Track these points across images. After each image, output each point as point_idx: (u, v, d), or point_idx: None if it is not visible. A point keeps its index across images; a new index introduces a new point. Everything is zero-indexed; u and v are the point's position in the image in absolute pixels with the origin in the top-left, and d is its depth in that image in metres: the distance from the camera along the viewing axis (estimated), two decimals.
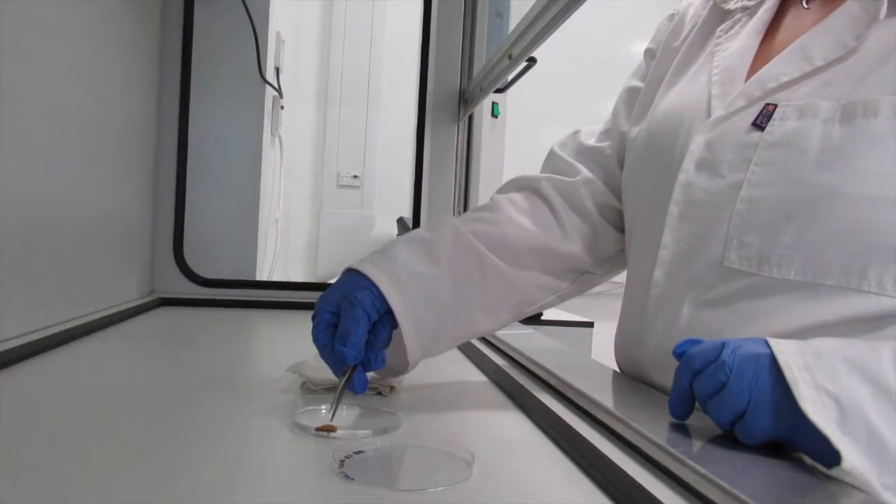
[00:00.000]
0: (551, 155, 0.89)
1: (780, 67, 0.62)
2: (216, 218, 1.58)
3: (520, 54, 1.18)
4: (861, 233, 0.54)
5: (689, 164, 0.65)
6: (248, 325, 1.31)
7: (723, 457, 0.46)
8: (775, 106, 0.60)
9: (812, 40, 0.61)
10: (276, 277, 2.22)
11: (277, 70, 1.91)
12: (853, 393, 0.45)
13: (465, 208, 1.63)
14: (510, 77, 1.46)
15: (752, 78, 0.64)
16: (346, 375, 0.62)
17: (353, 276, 0.70)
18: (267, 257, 2.00)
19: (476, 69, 1.55)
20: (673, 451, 0.47)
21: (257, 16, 1.58)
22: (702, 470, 0.44)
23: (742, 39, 0.68)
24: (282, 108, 1.94)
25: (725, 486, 0.41)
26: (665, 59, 0.79)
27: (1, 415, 0.61)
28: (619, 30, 2.96)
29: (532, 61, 1.36)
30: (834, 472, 0.44)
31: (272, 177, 2.03)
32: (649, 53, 0.85)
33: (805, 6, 0.65)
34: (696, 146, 0.64)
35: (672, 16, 0.84)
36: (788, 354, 0.47)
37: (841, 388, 0.45)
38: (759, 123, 0.60)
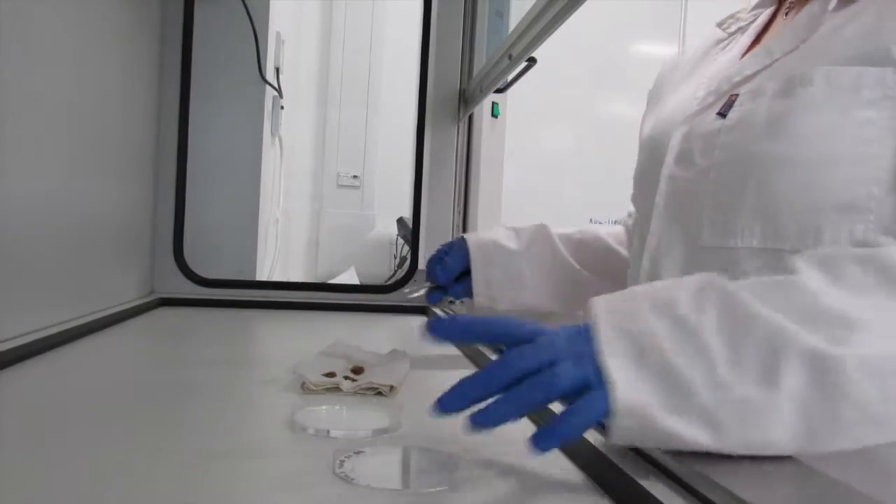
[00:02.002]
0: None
1: (746, 64, 0.69)
2: (216, 218, 1.58)
3: (520, 54, 1.18)
4: (810, 194, 0.58)
5: (670, 158, 0.71)
6: (248, 325, 1.31)
7: (723, 457, 0.46)
8: (738, 95, 0.66)
9: (775, 40, 0.68)
10: (276, 277, 2.22)
11: (277, 70, 1.91)
12: (650, 330, 0.46)
13: (465, 208, 1.63)
14: (510, 77, 1.46)
15: (722, 76, 0.71)
16: (428, 288, 1.03)
17: (459, 238, 1.05)
18: (267, 257, 2.00)
19: (476, 69, 1.55)
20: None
21: (257, 16, 1.59)
22: (702, 470, 0.44)
23: (732, 53, 0.76)
24: (282, 108, 1.94)
25: (725, 486, 0.41)
26: (661, 86, 0.88)
27: (1, 415, 0.61)
28: (620, 30, 2.96)
29: (532, 61, 1.36)
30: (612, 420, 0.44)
31: (272, 177, 2.03)
32: (650, 94, 0.93)
33: (785, 17, 0.73)
34: (675, 140, 0.71)
35: (672, 57, 0.92)
36: (597, 305, 0.49)
37: (638, 325, 0.46)
38: (723, 112, 0.67)
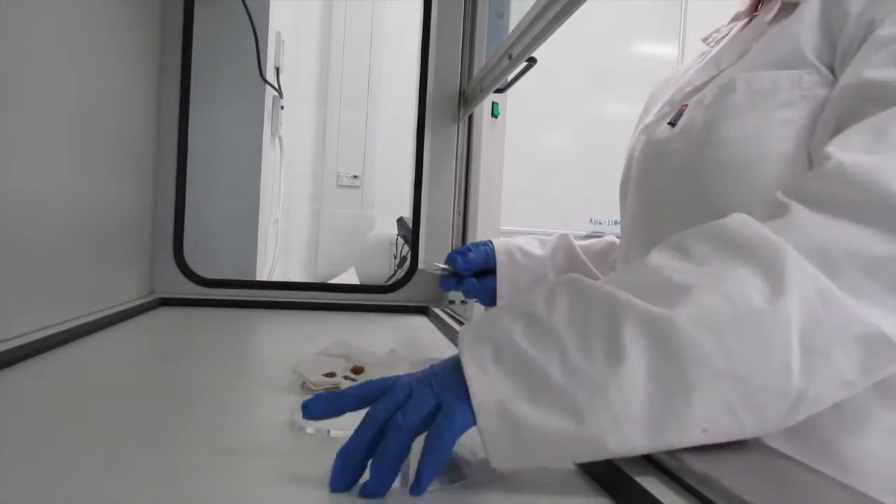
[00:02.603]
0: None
1: (697, 76, 0.73)
2: (216, 218, 1.58)
3: (520, 54, 1.17)
4: (747, 193, 0.61)
5: (635, 168, 0.76)
6: (248, 325, 1.31)
7: (723, 457, 0.46)
8: (686, 105, 0.70)
9: (724, 50, 0.73)
10: (276, 277, 2.22)
11: (277, 70, 1.91)
12: (506, 330, 0.47)
13: (465, 209, 1.63)
14: (510, 77, 1.46)
15: (676, 87, 0.75)
16: (445, 272, 1.05)
17: (485, 241, 1.07)
18: (267, 257, 2.00)
19: (476, 69, 1.55)
20: (673, 450, 0.47)
21: (257, 16, 1.59)
22: (702, 470, 0.44)
23: (700, 64, 0.79)
24: (282, 108, 1.94)
25: (725, 486, 0.41)
26: (653, 97, 0.90)
27: (1, 415, 0.61)
28: (620, 30, 2.96)
29: (532, 61, 1.35)
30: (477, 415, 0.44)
31: (272, 177, 2.03)
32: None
33: None
34: (638, 151, 0.76)
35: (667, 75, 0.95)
36: (465, 326, 0.50)
37: (497, 330, 0.47)
38: (673, 122, 0.71)
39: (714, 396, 0.44)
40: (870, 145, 0.49)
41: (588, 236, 1.13)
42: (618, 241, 1.06)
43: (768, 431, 0.47)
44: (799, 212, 0.48)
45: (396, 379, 0.49)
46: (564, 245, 1.07)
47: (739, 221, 0.49)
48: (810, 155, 0.59)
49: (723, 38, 0.81)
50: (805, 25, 0.62)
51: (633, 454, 0.45)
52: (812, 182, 0.50)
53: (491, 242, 1.08)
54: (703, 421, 0.44)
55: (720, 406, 0.44)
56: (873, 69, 0.54)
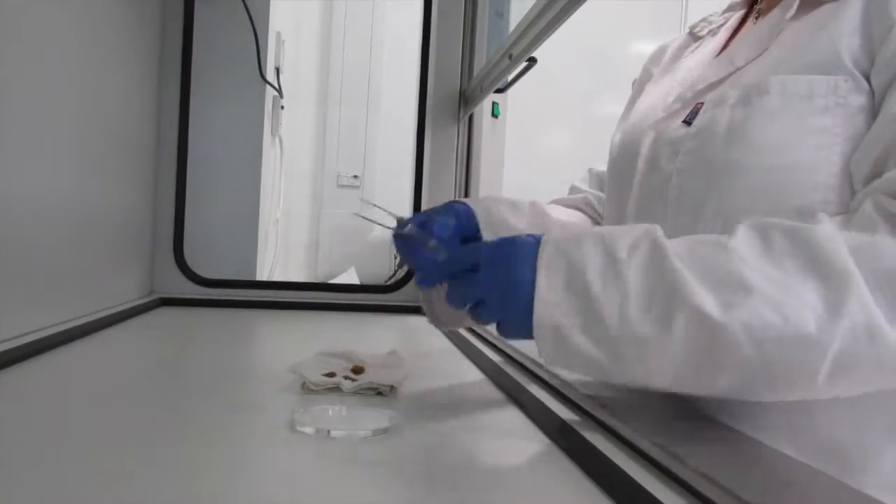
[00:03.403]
0: (573, 190, 1.03)
1: (710, 72, 0.70)
2: (216, 218, 1.58)
3: (520, 54, 1.17)
4: (768, 199, 0.60)
5: (641, 164, 0.73)
6: (248, 325, 1.31)
7: (723, 456, 0.46)
8: (702, 103, 0.68)
9: (738, 46, 0.70)
10: (276, 277, 2.22)
11: (277, 70, 1.91)
12: (585, 257, 0.53)
13: None
14: (510, 77, 1.46)
15: (688, 83, 0.72)
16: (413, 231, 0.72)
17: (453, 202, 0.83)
18: (267, 257, 2.00)
19: (476, 69, 1.55)
20: (672, 449, 0.47)
21: (257, 16, 1.58)
22: (702, 470, 0.44)
23: (701, 55, 0.78)
24: (282, 108, 1.94)
25: (725, 485, 0.41)
26: (644, 83, 0.88)
27: (1, 415, 0.61)
28: (619, 30, 2.96)
29: (532, 61, 1.35)
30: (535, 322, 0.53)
31: (272, 177, 2.03)
32: (635, 83, 0.94)
33: (755, 23, 0.73)
34: (645, 147, 0.73)
35: (660, 48, 0.92)
36: (546, 238, 0.56)
37: (578, 252, 0.54)
38: (688, 120, 0.68)
39: (740, 381, 0.51)
40: None
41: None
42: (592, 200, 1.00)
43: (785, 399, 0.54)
44: (884, 235, 0.50)
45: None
46: (535, 207, 0.88)
47: (827, 236, 0.50)
48: (851, 171, 0.58)
49: (718, 27, 0.79)
50: (845, 29, 0.59)
51: (656, 389, 0.55)
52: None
53: (456, 203, 0.80)
54: (723, 392, 0.52)
55: (744, 387, 0.51)
56: None
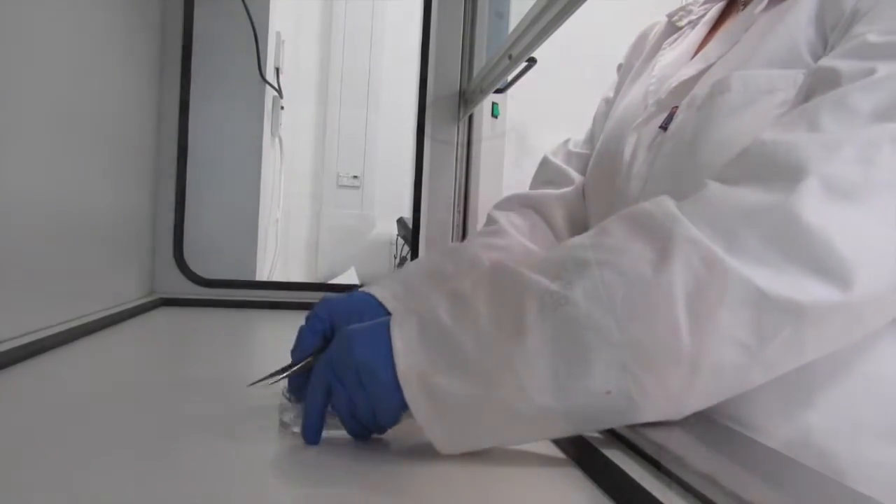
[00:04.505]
0: (544, 162, 0.95)
1: (684, 70, 0.69)
2: (216, 218, 1.58)
3: (520, 54, 1.18)
4: None
5: (624, 167, 0.72)
6: (248, 326, 1.31)
7: (723, 457, 0.46)
8: (677, 107, 0.67)
9: (713, 44, 0.69)
10: (276, 277, 2.22)
11: (277, 70, 1.91)
12: (435, 304, 0.52)
13: (465, 209, 1.63)
14: (510, 77, 1.46)
15: (663, 81, 0.71)
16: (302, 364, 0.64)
17: (362, 294, 0.74)
18: (267, 257, 2.00)
19: (476, 69, 1.55)
20: (672, 450, 0.47)
21: (257, 16, 1.58)
22: (702, 469, 0.44)
23: (680, 49, 0.76)
24: (282, 108, 1.94)
25: (725, 485, 0.41)
26: (627, 73, 0.87)
27: (1, 415, 0.61)
28: (620, 30, 2.95)
29: (532, 61, 1.35)
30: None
31: (272, 177, 2.03)
32: (620, 68, 0.92)
33: (741, 12, 0.71)
34: (627, 153, 0.72)
35: (641, 35, 0.91)
36: (394, 301, 0.57)
37: (427, 304, 0.52)
38: (664, 125, 0.67)
39: (611, 362, 0.46)
40: (793, 125, 0.50)
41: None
42: (536, 248, 0.87)
43: (680, 396, 0.49)
44: (711, 187, 0.50)
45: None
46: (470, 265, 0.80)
47: (656, 202, 0.50)
48: None
49: (698, 19, 0.77)
50: (801, 22, 0.59)
51: (554, 415, 0.48)
52: (732, 161, 0.52)
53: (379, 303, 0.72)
54: (604, 384, 0.47)
55: (618, 371, 0.46)
56: (831, 59, 0.54)
